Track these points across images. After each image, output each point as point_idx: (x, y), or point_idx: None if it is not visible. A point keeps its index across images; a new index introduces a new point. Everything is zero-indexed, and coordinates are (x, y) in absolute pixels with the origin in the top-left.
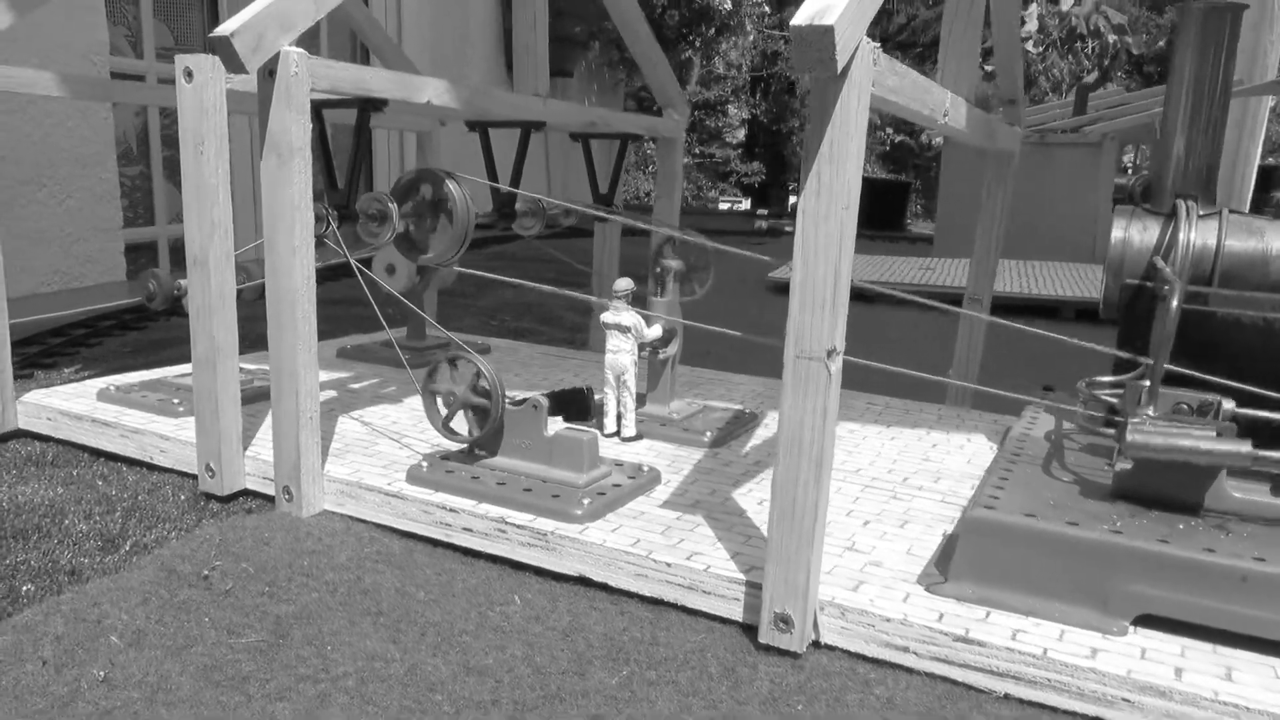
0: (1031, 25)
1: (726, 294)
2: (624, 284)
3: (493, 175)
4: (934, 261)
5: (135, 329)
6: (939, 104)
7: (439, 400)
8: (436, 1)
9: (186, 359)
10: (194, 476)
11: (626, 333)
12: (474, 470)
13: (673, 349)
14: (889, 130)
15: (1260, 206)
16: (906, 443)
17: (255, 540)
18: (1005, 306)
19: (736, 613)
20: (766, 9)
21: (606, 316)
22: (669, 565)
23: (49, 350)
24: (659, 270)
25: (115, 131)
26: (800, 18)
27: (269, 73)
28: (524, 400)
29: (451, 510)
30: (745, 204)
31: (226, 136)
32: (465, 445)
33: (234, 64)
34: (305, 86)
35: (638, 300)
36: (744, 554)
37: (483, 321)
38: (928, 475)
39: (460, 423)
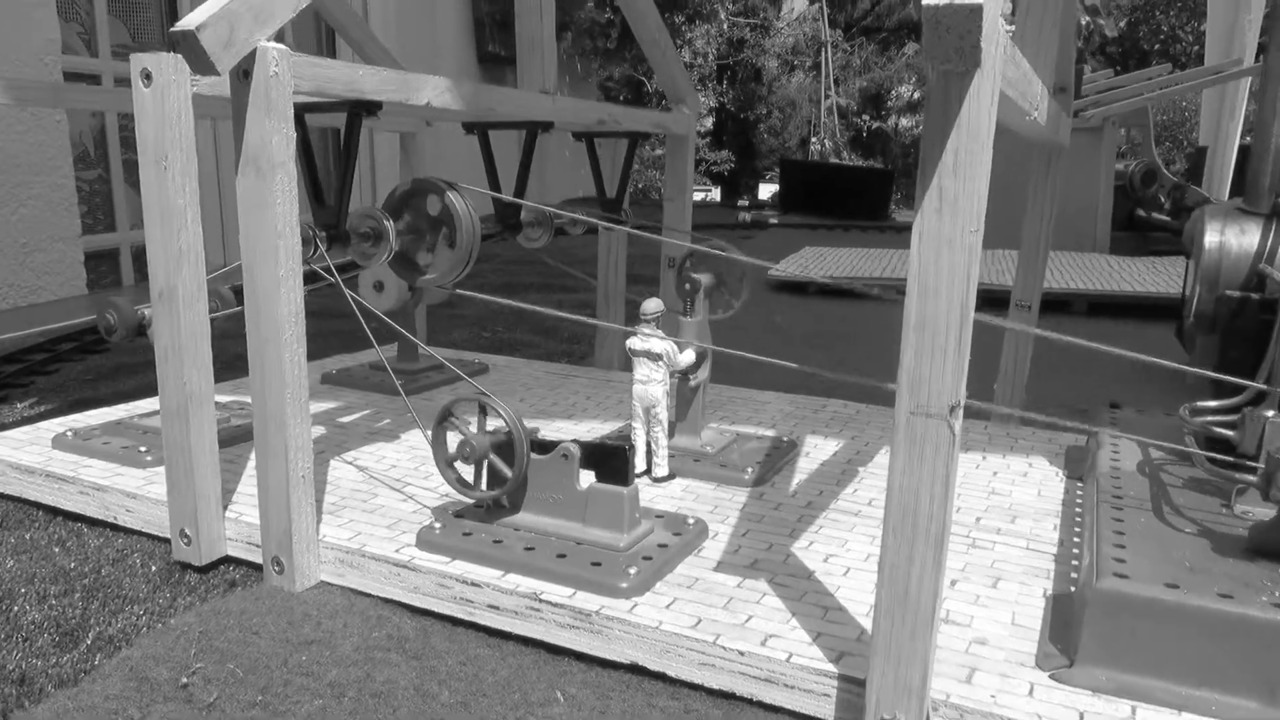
0: (1007, 8)
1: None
2: (653, 306)
3: (494, 182)
4: None
5: (96, 352)
6: (1035, 98)
7: (451, 449)
8: None
9: (149, 386)
10: (166, 541)
11: (658, 361)
12: (496, 532)
13: (704, 374)
14: (865, 116)
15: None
16: (964, 470)
17: (242, 630)
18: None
19: (828, 711)
20: None
21: (634, 343)
22: (741, 654)
23: (0, 380)
24: (687, 287)
25: (71, 134)
26: None
27: (243, 73)
28: (552, 447)
29: (473, 584)
30: (715, 193)
31: (194, 148)
32: (481, 501)
33: (201, 64)
34: (287, 89)
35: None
36: (827, 635)
37: (474, 334)
38: (1001, 514)
39: (474, 472)
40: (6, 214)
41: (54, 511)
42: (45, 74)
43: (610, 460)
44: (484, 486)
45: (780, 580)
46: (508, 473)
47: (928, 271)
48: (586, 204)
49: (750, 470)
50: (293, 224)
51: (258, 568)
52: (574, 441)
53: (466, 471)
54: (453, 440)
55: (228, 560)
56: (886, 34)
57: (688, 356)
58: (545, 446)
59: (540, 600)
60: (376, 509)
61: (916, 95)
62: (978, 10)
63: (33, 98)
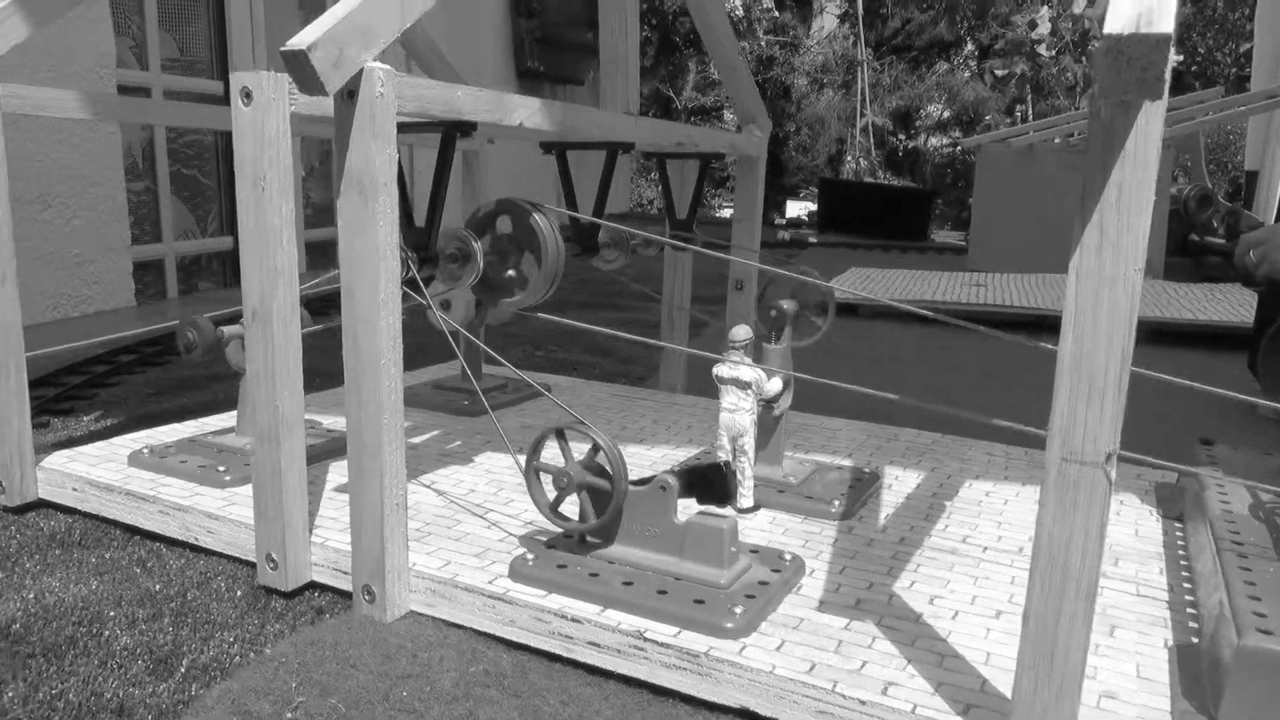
0: (1044, 28)
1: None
2: (742, 333)
3: (572, 203)
4: (982, 277)
5: (155, 364)
6: None
7: (545, 479)
8: (446, 6)
9: (213, 402)
10: (249, 564)
11: (746, 389)
12: (591, 565)
13: (786, 402)
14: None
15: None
16: None
17: (339, 662)
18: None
19: None
20: (775, 13)
21: (722, 370)
22: (863, 703)
23: (65, 393)
24: (773, 314)
25: (121, 145)
26: (1118, 22)
27: (348, 94)
28: (649, 479)
29: (574, 620)
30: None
31: (291, 169)
32: (576, 533)
33: (310, 84)
34: (391, 109)
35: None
36: (948, 684)
37: (527, 353)
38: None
39: (569, 504)
40: (60, 225)
41: (132, 530)
42: (101, 87)
43: (709, 479)
44: (578, 517)
45: (888, 623)
46: (605, 504)
47: (1086, 313)
48: (629, 221)
49: (837, 503)
50: (393, 246)
51: (344, 595)
52: (670, 473)
53: (551, 496)
54: (547, 468)
55: (313, 586)
56: (916, 53)
57: (775, 385)
58: (643, 480)
59: (644, 639)
60: (462, 536)
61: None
62: (1165, 41)
63: (134, 114)
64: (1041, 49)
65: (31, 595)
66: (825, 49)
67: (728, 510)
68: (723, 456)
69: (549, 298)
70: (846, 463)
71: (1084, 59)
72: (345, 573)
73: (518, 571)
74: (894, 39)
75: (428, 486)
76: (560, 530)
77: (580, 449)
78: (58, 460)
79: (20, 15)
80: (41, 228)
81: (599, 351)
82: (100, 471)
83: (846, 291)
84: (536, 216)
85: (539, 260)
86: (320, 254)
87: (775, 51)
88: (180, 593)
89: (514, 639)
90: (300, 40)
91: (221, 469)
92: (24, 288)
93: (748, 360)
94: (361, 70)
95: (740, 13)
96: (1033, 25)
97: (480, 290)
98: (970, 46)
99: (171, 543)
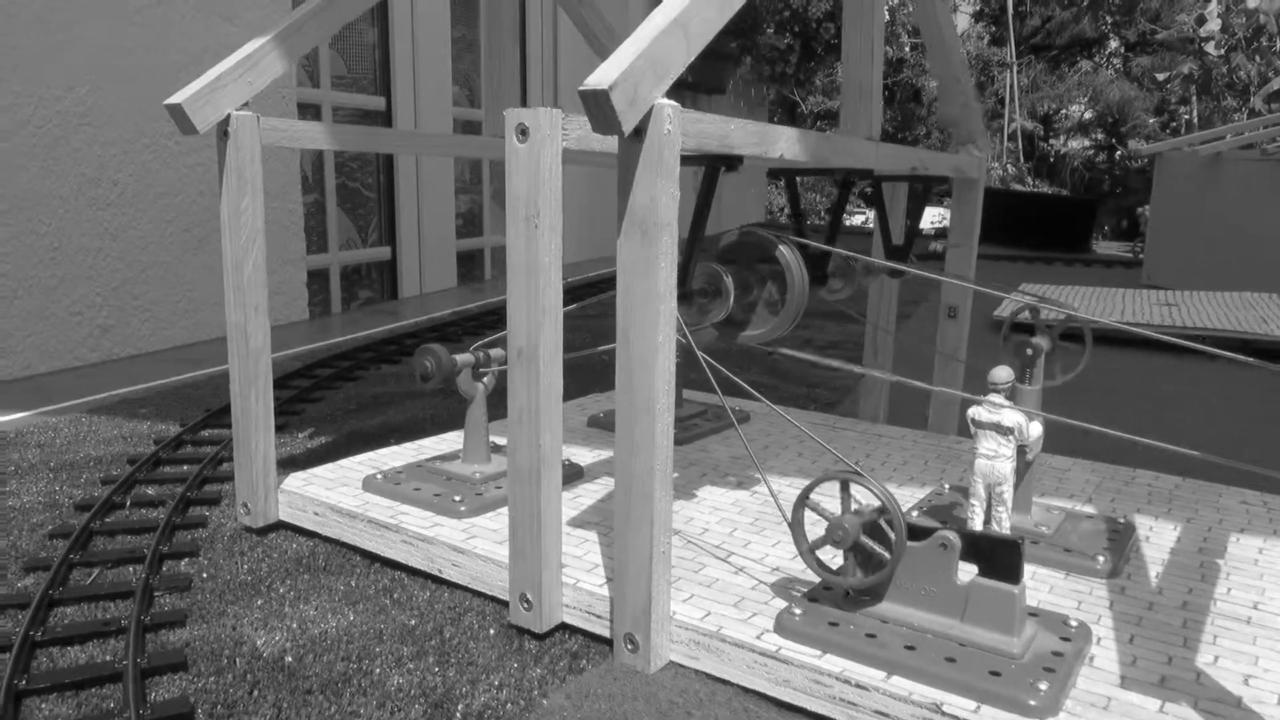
0: (1213, 25)
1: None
2: (1004, 374)
3: (801, 230)
4: (1172, 295)
5: (350, 379)
6: None
7: (816, 529)
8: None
9: (415, 421)
10: (496, 600)
11: (1008, 435)
12: (865, 624)
13: (1039, 446)
14: (1051, 142)
15: None
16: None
17: (614, 717)
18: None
19: None
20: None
21: (980, 413)
22: None
23: (276, 408)
24: (1029, 351)
25: (299, 160)
26: None
27: (635, 132)
28: (927, 532)
29: (858, 686)
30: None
31: (560, 205)
32: (842, 587)
33: (607, 124)
34: (677, 147)
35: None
36: None
37: (703, 375)
38: None
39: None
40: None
41: (372, 557)
42: (283, 107)
43: (999, 554)
44: (845, 570)
45: (1207, 707)
46: (880, 558)
47: None
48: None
49: (1101, 558)
50: (673, 288)
51: (597, 639)
52: (953, 529)
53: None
54: (813, 516)
55: (563, 627)
56: (1057, 52)
57: (1037, 429)
58: (919, 533)
59: (942, 713)
60: (712, 583)
61: (1088, 115)
62: None
63: (388, 144)
64: (1210, 47)
65: (295, 625)
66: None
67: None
68: (977, 514)
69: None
70: (1090, 509)
71: (1257, 57)
72: (599, 617)
73: (785, 627)
74: (1033, 37)
75: None
76: (826, 583)
77: (837, 494)
78: (295, 483)
79: (277, 52)
80: None
81: (778, 374)
82: (338, 496)
83: (1105, 323)
84: (783, 248)
85: (784, 293)
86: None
87: (905, 53)
88: (437, 629)
89: (788, 700)
90: (601, 79)
91: (457, 499)
92: (211, 299)
93: (1009, 403)
94: (652, 108)
95: (887, 17)
96: (1201, 21)
97: (719, 323)
98: (1115, 43)
99: (411, 572)
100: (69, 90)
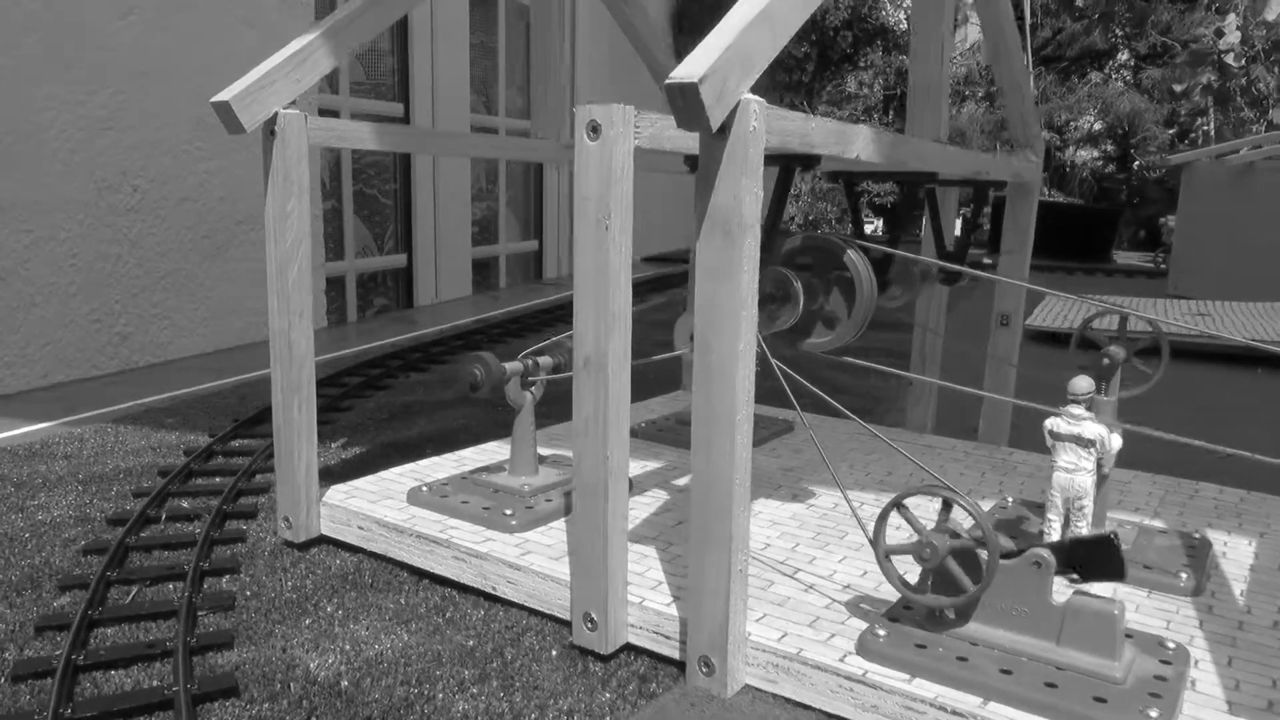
0: (1232, 37)
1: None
2: (1084, 385)
3: (861, 233)
4: (1203, 305)
5: (379, 388)
6: None
7: (890, 539)
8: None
9: (450, 431)
10: (554, 619)
11: (1089, 447)
12: (953, 646)
13: (1114, 460)
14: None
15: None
16: None
17: None
18: None
19: None
20: None
21: (1059, 425)
22: None
23: None
24: (1105, 361)
25: (320, 166)
26: None
27: (720, 129)
28: (1018, 550)
29: (954, 713)
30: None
31: (631, 207)
32: (933, 607)
33: (694, 119)
34: (761, 144)
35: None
36: None
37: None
38: None
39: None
40: (264, 244)
41: (419, 573)
42: (307, 110)
43: (1096, 554)
44: (921, 589)
45: None
46: (967, 580)
47: None
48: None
49: (1184, 575)
50: (754, 292)
51: (665, 661)
52: (1046, 546)
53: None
54: (893, 529)
55: (627, 648)
56: (1067, 63)
57: (1117, 442)
58: (1010, 551)
59: None
60: (784, 601)
61: (1097, 126)
62: None
63: (445, 148)
64: (1229, 59)
65: (347, 646)
66: (968, 59)
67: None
68: (1053, 529)
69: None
70: (1159, 524)
71: (1276, 68)
72: (667, 637)
73: (869, 649)
74: (1043, 49)
75: None
76: (906, 602)
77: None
78: (337, 496)
79: (325, 49)
80: (249, 249)
81: (816, 381)
82: (383, 509)
83: (1186, 331)
84: (851, 254)
85: (851, 301)
86: None
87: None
88: (497, 650)
89: None
90: (690, 71)
91: (508, 512)
92: (229, 307)
93: (1090, 415)
94: (738, 103)
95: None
96: (1220, 34)
97: (784, 331)
98: (1125, 55)
99: (462, 589)
100: (91, 94)
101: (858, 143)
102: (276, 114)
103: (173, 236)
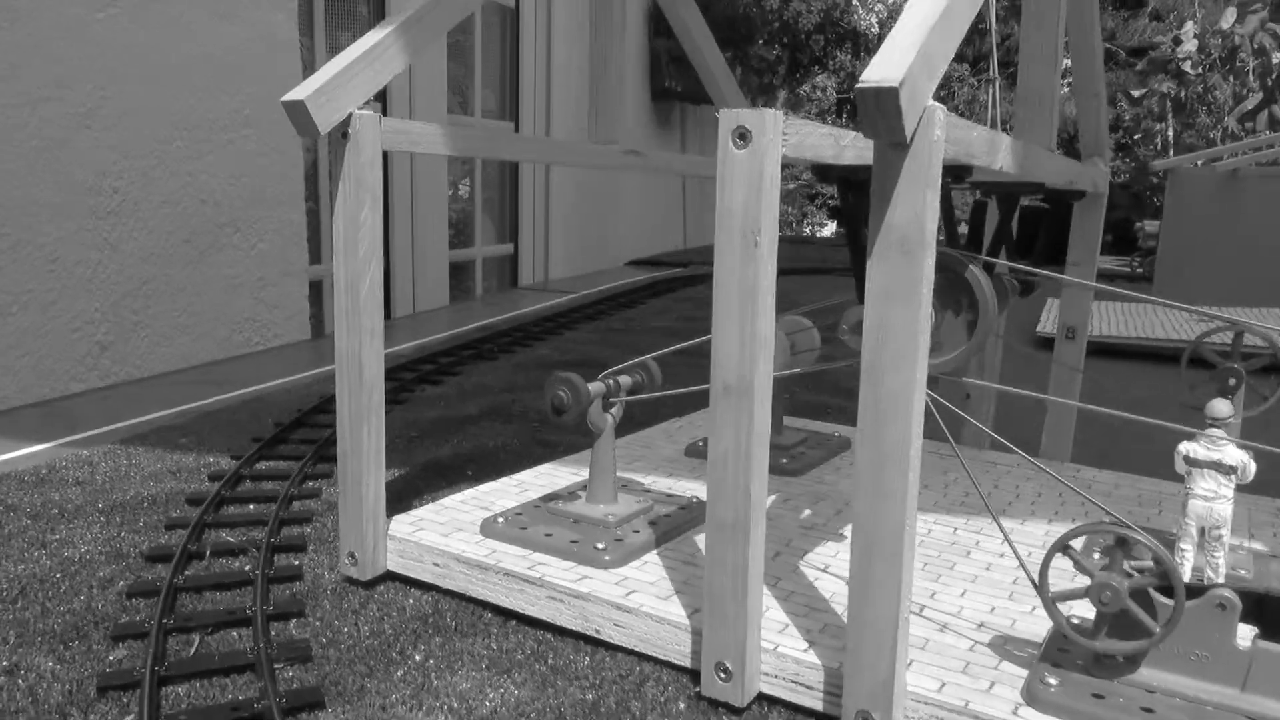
0: (1190, 45)
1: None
2: (1225, 408)
3: (954, 240)
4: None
5: (397, 402)
6: None
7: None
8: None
9: (488, 451)
10: (668, 665)
11: (1230, 474)
12: (1134, 695)
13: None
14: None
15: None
16: None
17: None
18: None
19: None
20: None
21: (1197, 450)
22: None
23: (332, 436)
24: (1231, 382)
25: (304, 167)
26: None
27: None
28: (1199, 590)
29: None
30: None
31: (777, 220)
32: (1109, 653)
33: (885, 128)
34: (941, 155)
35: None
36: None
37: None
38: None
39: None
40: (247, 249)
41: (502, 613)
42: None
43: None
44: (1094, 632)
45: None
46: (1152, 624)
47: None
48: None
49: None
50: (927, 315)
51: (802, 711)
52: (1228, 588)
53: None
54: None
55: (759, 699)
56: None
57: (1252, 466)
58: (1189, 591)
59: None
60: (924, 644)
61: None
62: None
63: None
64: (1186, 67)
65: (454, 703)
66: None
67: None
68: (1186, 560)
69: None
70: (1259, 546)
71: (1231, 77)
72: (808, 687)
73: (1040, 699)
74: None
75: (823, 570)
76: (1064, 645)
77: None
78: (404, 529)
79: (399, 45)
80: (231, 253)
81: (843, 394)
82: (458, 544)
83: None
84: (974, 270)
85: (973, 318)
86: None
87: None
88: (622, 705)
89: None
90: (884, 75)
91: (600, 546)
92: (211, 313)
93: (1232, 440)
94: (924, 111)
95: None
96: (1177, 42)
97: None
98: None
99: (556, 630)
100: (69, 91)
101: (1001, 153)
102: (350, 115)
103: (154, 241)
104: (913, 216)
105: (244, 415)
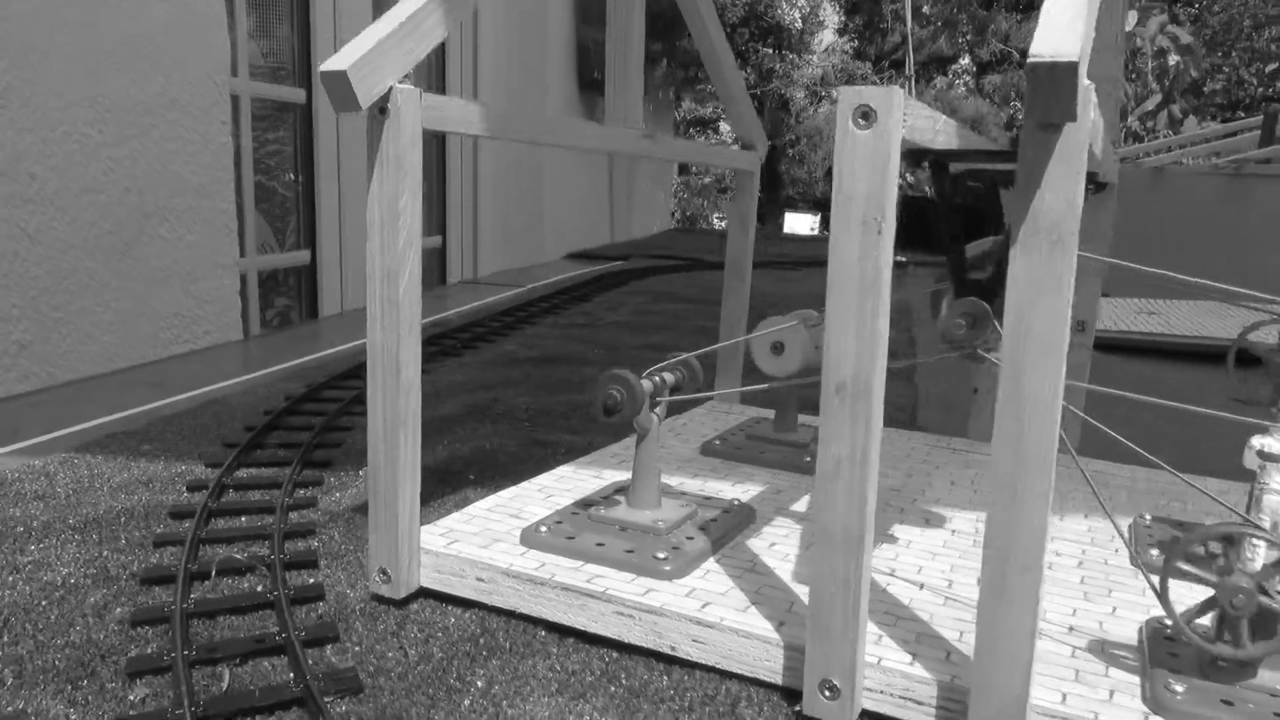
0: None
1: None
2: None
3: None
4: (1152, 303)
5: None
6: None
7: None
8: (517, 14)
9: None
10: (756, 682)
11: None
12: (1265, 701)
13: None
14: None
15: None
16: None
17: None
18: None
19: None
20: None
21: (1273, 445)
22: None
23: (313, 440)
24: None
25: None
26: None
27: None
28: None
29: None
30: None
31: (895, 202)
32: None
33: (1058, 108)
34: (1089, 137)
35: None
36: None
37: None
38: None
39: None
40: (175, 240)
41: (557, 629)
42: (216, 94)
43: None
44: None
45: None
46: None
47: None
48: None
49: None
50: (1068, 302)
51: None
52: None
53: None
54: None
55: (862, 715)
56: (916, 68)
57: None
58: None
59: None
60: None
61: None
62: None
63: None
64: None
65: None
66: (824, 62)
67: None
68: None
69: None
70: None
71: (1134, 78)
72: (919, 703)
73: (1168, 707)
74: (895, 53)
75: (894, 575)
76: (1174, 649)
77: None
78: (437, 541)
79: (439, 13)
80: (160, 245)
81: None
82: (501, 556)
83: None
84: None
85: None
86: None
87: (775, 65)
88: None
89: None
90: (1056, 48)
91: (660, 555)
92: (138, 309)
93: None
94: (1080, 88)
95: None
96: None
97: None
98: (967, 60)
99: (622, 648)
100: None
101: (1100, 140)
102: (391, 89)
103: (75, 232)
104: (1064, 205)
105: (205, 419)
